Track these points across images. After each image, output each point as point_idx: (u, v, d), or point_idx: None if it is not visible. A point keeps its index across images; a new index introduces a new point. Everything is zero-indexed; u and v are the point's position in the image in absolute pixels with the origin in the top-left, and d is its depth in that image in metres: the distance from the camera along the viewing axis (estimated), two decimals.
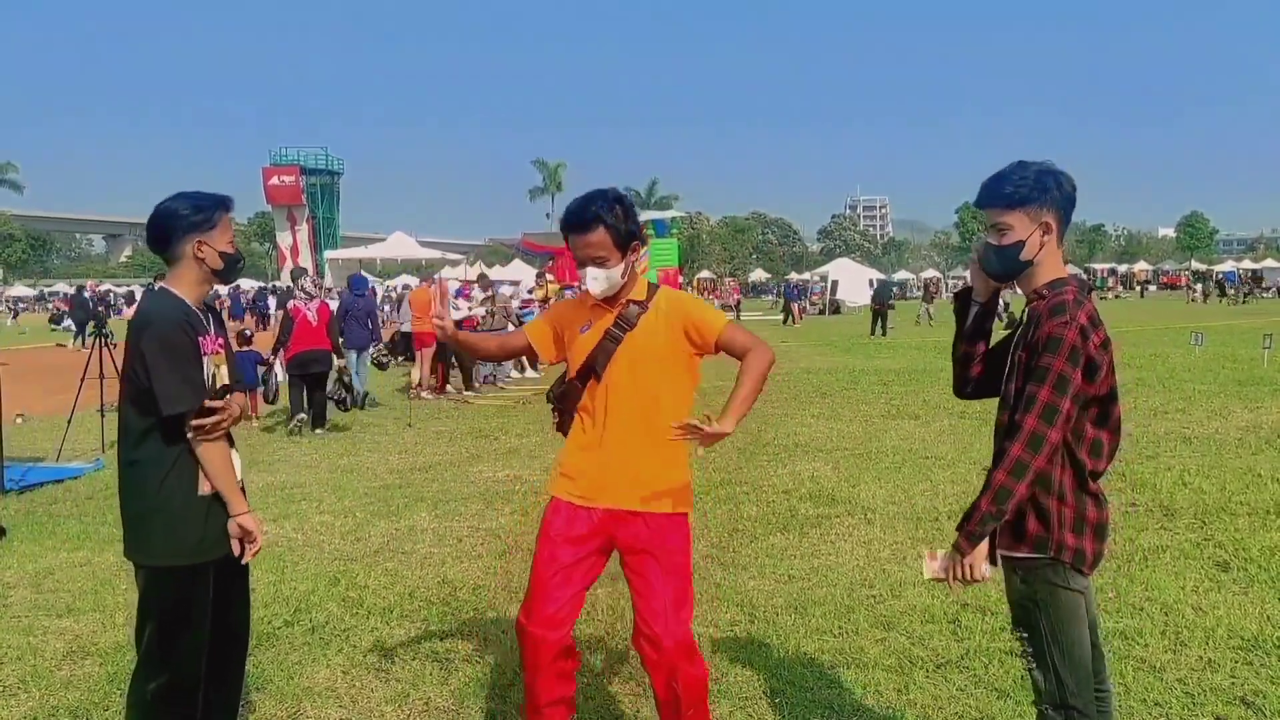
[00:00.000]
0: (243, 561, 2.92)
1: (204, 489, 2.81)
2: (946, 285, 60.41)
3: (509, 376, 15.93)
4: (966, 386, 2.80)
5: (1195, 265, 71.31)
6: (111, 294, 52.54)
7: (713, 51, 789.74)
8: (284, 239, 61.87)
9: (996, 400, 2.60)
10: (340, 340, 11.17)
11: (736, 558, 5.57)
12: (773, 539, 5.94)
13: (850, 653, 4.15)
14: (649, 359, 3.07)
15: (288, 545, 6.07)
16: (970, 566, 2.47)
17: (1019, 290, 2.60)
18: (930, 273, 69.21)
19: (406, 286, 29.91)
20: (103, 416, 9.68)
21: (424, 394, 13.70)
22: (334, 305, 12.00)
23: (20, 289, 70.67)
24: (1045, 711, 2.49)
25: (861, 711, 3.63)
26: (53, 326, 38.11)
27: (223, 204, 2.89)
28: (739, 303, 41.95)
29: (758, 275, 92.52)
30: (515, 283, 27.28)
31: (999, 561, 2.51)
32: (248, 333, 12.57)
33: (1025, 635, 2.48)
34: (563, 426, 3.26)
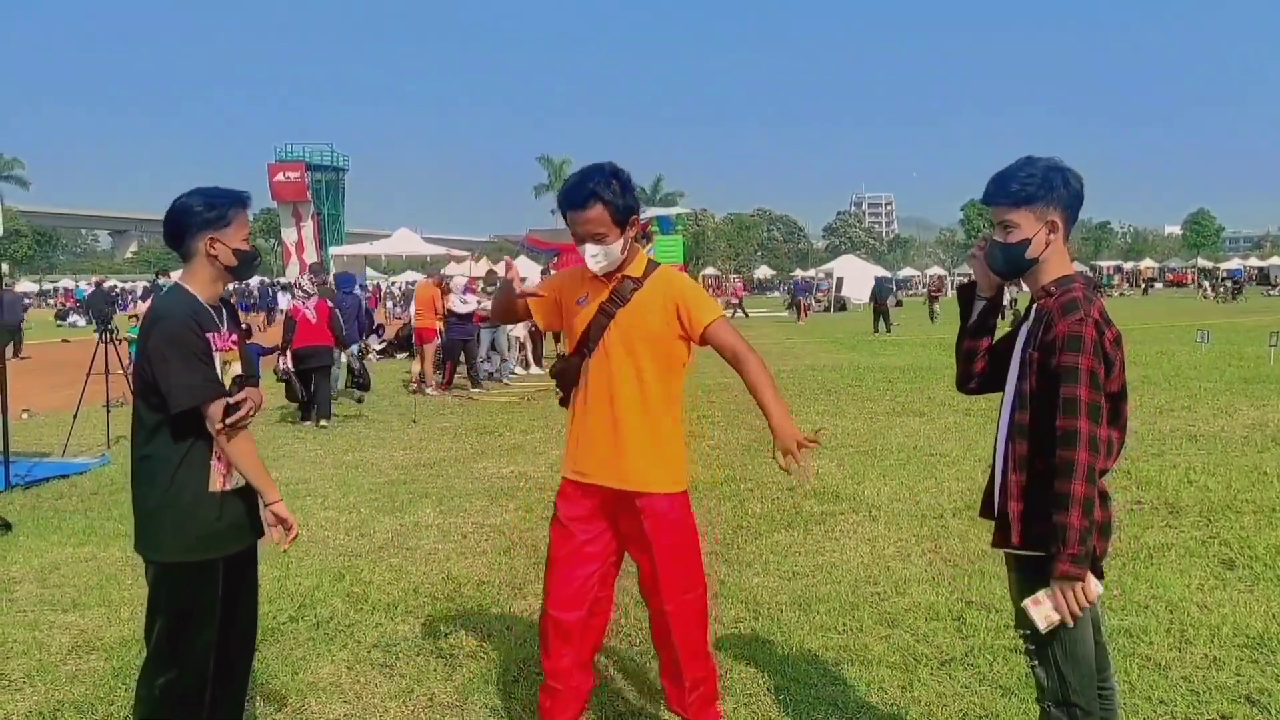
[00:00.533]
0: (282, 548, 2.96)
1: (214, 485, 2.81)
2: (951, 283, 59.92)
3: (513, 373, 15.95)
4: (970, 382, 2.80)
5: (1201, 263, 71.07)
6: (118, 289, 52.59)
7: (718, 50, 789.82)
8: (289, 235, 61.87)
9: (1000, 396, 2.60)
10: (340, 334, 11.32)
11: (741, 554, 5.58)
12: (777, 536, 5.94)
13: (854, 650, 4.15)
14: (640, 336, 3.08)
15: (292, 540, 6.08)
16: (1085, 590, 2.32)
17: (1025, 287, 2.59)
18: (935, 270, 68.72)
19: (411, 283, 29.91)
20: (108, 412, 9.72)
21: (427, 390, 13.73)
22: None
23: (26, 284, 70.79)
24: (1048, 709, 2.48)
25: (865, 708, 3.63)
26: (59, 322, 38.23)
27: (239, 201, 2.88)
28: (740, 301, 41.58)
29: (763, 272, 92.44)
30: (522, 279, 27.21)
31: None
32: (245, 326, 12.62)
33: (1028, 633, 2.47)
34: (566, 401, 3.30)
